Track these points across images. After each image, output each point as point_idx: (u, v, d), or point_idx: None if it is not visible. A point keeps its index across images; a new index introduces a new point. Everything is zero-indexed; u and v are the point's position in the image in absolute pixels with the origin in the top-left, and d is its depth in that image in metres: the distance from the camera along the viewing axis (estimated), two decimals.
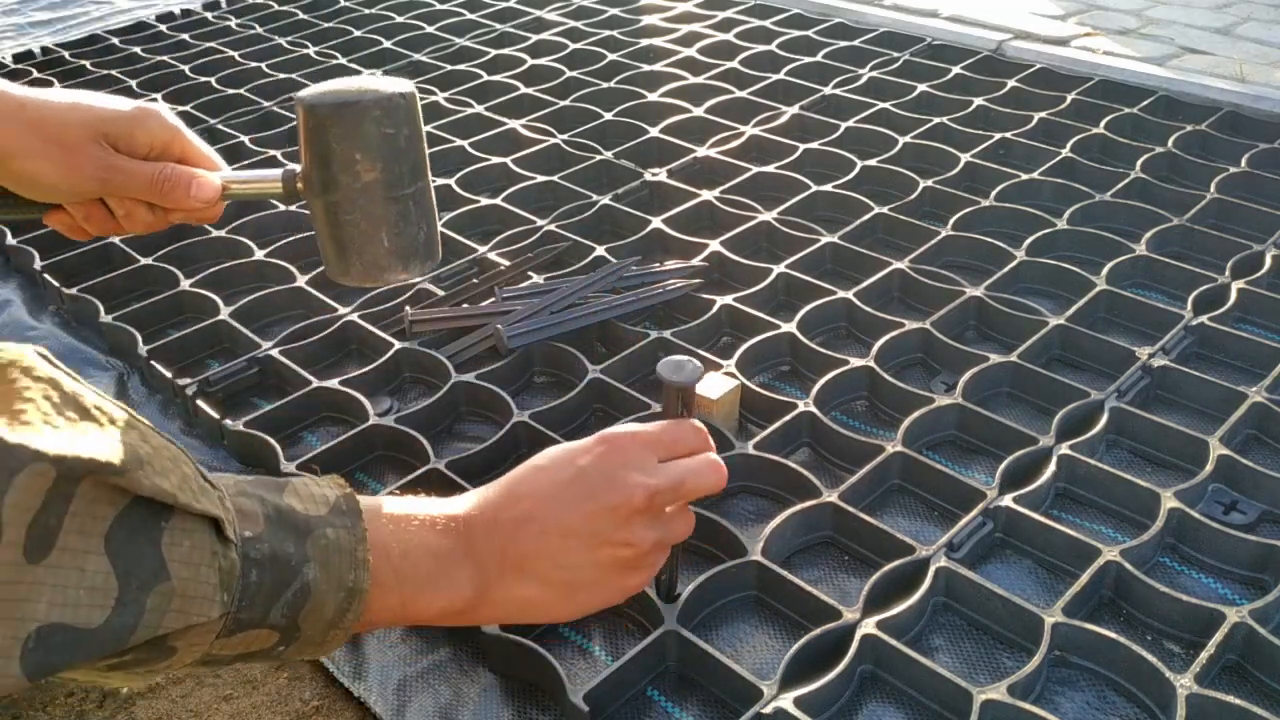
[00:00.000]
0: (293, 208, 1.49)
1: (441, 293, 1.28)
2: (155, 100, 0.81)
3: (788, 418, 1.06)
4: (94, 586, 0.47)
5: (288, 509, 0.57)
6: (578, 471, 0.66)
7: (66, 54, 2.10)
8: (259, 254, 1.39)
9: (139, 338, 1.22)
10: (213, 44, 2.12)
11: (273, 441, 1.05)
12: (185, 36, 2.18)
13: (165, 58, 2.05)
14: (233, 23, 2.26)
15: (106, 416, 0.50)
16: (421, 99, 1.89)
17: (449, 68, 1.95)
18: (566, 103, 1.78)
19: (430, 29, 2.15)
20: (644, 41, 2.02)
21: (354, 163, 0.72)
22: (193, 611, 0.51)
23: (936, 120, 1.65)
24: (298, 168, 0.76)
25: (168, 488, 0.50)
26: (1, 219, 0.79)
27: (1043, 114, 1.65)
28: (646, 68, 1.91)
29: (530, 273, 1.32)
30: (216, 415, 1.10)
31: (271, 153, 1.64)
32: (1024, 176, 1.49)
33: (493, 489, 0.68)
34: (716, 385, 1.07)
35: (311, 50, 2.05)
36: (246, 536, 0.54)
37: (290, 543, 0.56)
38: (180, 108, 1.80)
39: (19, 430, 0.45)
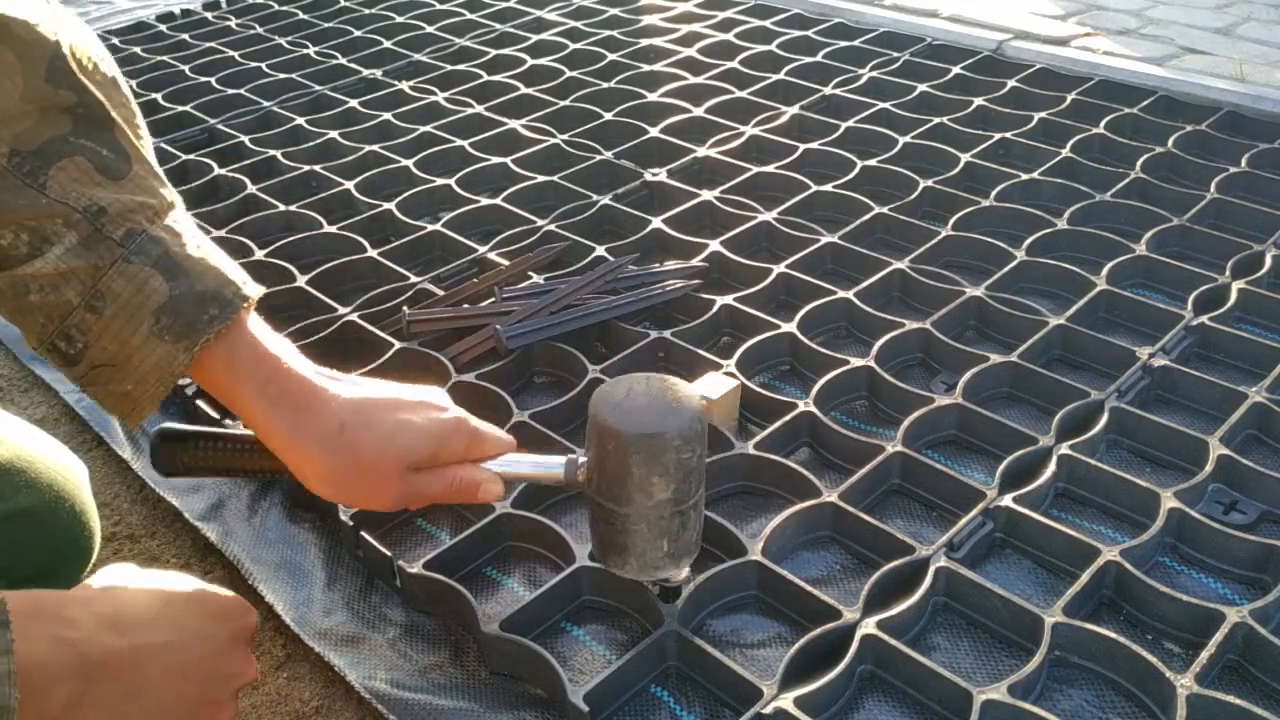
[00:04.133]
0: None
1: (441, 293, 1.28)
2: (440, 393, 0.79)
3: (788, 418, 1.06)
4: None
5: None
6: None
7: None
8: (259, 254, 1.39)
9: None
10: (213, 44, 2.12)
11: None
12: (185, 36, 2.18)
13: (165, 58, 2.05)
14: (233, 23, 2.26)
15: None
16: (421, 99, 1.90)
17: (449, 68, 1.95)
18: (566, 103, 1.78)
19: (430, 29, 2.15)
20: (644, 42, 2.02)
21: (650, 485, 0.73)
22: None
23: (936, 120, 1.65)
24: (580, 459, 0.78)
25: None
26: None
27: (1043, 114, 1.65)
28: (646, 68, 1.91)
29: (530, 273, 1.32)
30: (216, 415, 1.10)
31: (271, 153, 1.64)
32: (1024, 176, 1.49)
33: (123, 606, 0.66)
34: (716, 385, 1.07)
35: (311, 50, 2.05)
36: None
37: None
38: (180, 108, 1.80)
39: None
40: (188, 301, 0.65)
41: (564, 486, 0.79)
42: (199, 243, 0.68)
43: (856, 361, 1.14)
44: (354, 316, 1.25)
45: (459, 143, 1.66)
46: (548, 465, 0.79)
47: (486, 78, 1.89)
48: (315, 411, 0.70)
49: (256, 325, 0.70)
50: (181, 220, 0.68)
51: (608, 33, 2.08)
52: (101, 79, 0.67)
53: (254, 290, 0.69)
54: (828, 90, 1.78)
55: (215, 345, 0.67)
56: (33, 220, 0.63)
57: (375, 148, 1.65)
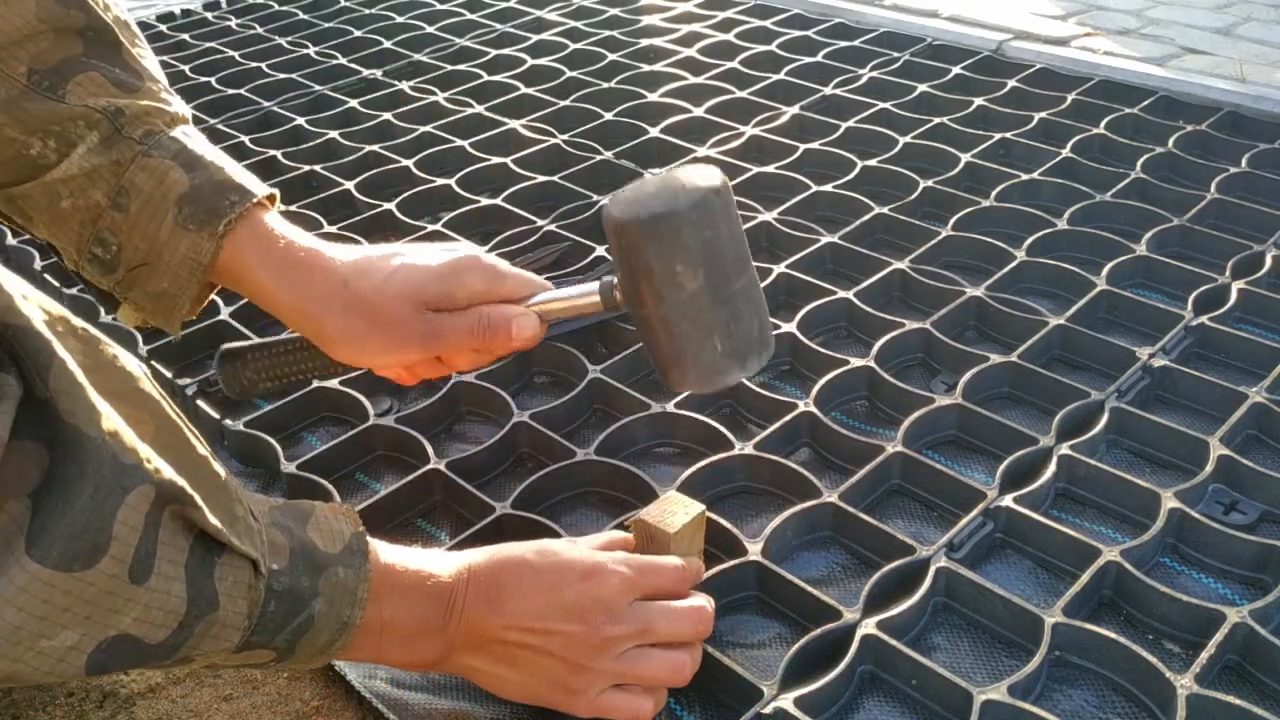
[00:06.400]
0: (289, 207, 1.49)
1: None
2: (460, 242, 0.83)
3: (788, 418, 1.06)
4: (170, 610, 0.53)
5: (310, 545, 0.63)
6: (557, 593, 0.71)
7: None
8: None
9: (139, 338, 1.22)
10: (213, 44, 2.12)
11: (273, 441, 1.05)
12: (185, 36, 2.18)
13: (165, 58, 2.05)
14: (233, 23, 2.26)
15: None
16: (422, 99, 1.90)
17: (449, 68, 1.95)
18: (566, 103, 1.78)
19: (430, 29, 2.15)
20: (644, 42, 2.02)
21: (675, 275, 0.68)
22: (222, 636, 0.57)
23: (936, 120, 1.65)
24: (614, 278, 0.73)
25: (223, 526, 0.55)
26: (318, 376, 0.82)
27: (1043, 114, 1.65)
28: (647, 68, 1.91)
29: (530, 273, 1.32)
30: (216, 415, 1.10)
31: (271, 153, 1.64)
32: (1024, 176, 1.49)
33: (482, 566, 0.73)
34: (676, 512, 0.84)
35: (311, 50, 2.05)
36: (273, 569, 0.59)
37: (306, 578, 0.62)
38: None
39: (130, 443, 0.49)
40: (208, 190, 0.69)
41: (607, 310, 0.74)
42: (214, 149, 0.73)
43: (857, 361, 1.14)
44: None
45: (459, 143, 1.66)
46: (582, 293, 0.74)
47: (486, 78, 1.89)
48: (318, 272, 0.71)
49: (277, 219, 0.73)
50: (194, 131, 0.73)
51: (608, 33, 2.08)
52: (105, 7, 0.72)
53: (268, 190, 0.73)
54: (828, 90, 1.78)
55: (238, 233, 0.70)
56: (56, 125, 0.67)
57: (375, 148, 1.65)
